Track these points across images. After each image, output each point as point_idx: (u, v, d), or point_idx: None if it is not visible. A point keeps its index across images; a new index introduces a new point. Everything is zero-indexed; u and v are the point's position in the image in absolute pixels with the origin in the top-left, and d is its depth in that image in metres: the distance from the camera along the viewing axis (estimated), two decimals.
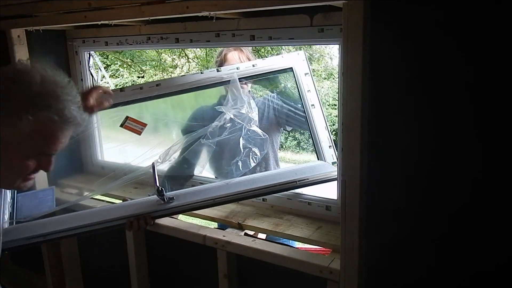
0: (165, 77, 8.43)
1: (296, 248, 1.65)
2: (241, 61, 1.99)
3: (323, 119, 1.61)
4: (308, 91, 1.64)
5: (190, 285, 1.81)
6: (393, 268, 1.26)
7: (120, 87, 1.98)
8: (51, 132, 1.02)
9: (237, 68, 1.74)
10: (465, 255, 1.15)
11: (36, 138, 1.01)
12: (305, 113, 1.66)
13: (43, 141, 1.02)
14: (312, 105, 1.61)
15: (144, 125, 1.77)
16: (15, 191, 1.59)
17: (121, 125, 1.75)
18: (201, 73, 1.77)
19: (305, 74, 1.67)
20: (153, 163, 1.60)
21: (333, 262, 1.33)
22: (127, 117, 1.76)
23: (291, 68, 1.71)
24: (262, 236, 1.65)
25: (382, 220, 1.23)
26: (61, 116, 1.01)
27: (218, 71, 1.76)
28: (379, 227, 1.23)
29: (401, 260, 1.24)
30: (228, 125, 1.67)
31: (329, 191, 1.61)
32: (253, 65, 1.75)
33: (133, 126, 1.76)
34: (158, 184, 1.53)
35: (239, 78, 1.69)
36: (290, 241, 1.62)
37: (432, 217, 1.16)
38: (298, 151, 8.07)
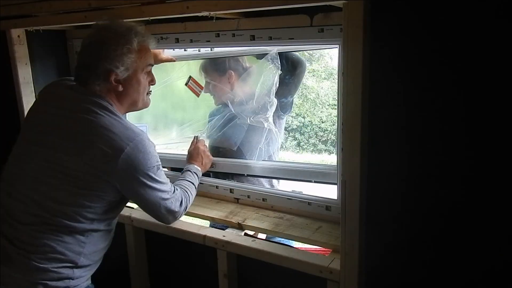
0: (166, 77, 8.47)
1: (296, 248, 1.65)
2: None
3: None
4: None
5: (190, 285, 1.81)
6: (393, 268, 1.26)
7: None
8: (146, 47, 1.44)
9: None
10: (464, 254, 1.15)
11: (142, 53, 1.41)
12: None
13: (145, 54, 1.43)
14: None
15: (202, 87, 1.99)
16: None
17: (186, 84, 2.00)
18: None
19: None
20: (195, 136, 1.89)
21: (333, 262, 1.33)
22: (190, 77, 1.99)
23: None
24: (262, 236, 1.65)
25: (382, 220, 1.23)
26: (145, 37, 1.43)
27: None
28: (379, 227, 1.24)
29: (401, 260, 1.24)
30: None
31: (329, 191, 1.61)
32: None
33: (194, 87, 2.01)
34: None
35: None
36: (291, 241, 1.62)
37: (432, 217, 1.16)
38: (298, 151, 8.10)
